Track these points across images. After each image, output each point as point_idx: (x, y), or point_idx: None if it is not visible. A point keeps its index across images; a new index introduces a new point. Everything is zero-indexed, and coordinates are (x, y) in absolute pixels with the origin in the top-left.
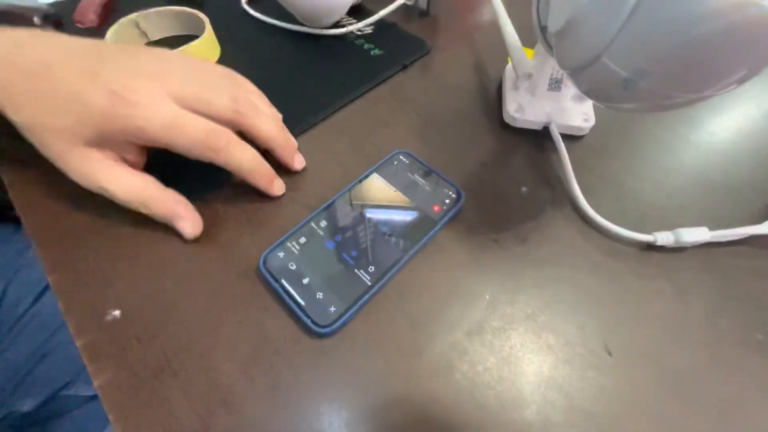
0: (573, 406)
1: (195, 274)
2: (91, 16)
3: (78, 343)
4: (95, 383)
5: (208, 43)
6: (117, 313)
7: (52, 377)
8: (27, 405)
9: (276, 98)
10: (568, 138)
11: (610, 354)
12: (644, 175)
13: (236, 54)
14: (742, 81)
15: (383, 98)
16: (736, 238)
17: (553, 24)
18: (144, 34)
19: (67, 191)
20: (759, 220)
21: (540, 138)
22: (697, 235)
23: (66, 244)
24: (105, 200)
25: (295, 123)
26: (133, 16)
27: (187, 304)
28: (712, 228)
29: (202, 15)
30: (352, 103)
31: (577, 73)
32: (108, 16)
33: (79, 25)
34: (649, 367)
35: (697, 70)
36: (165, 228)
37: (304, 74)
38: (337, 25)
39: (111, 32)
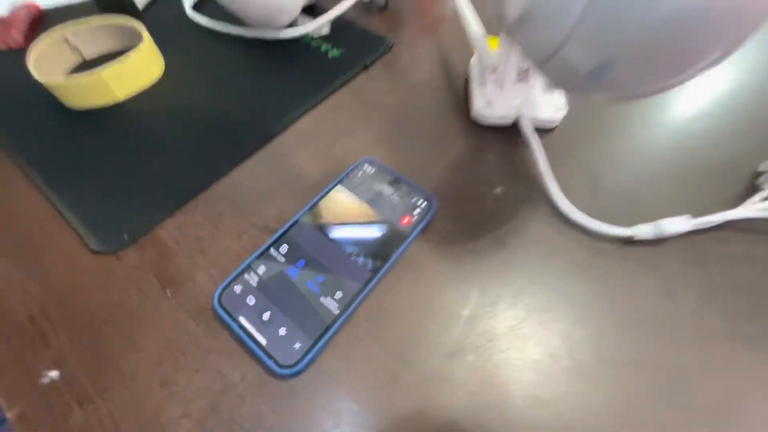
0: (565, 426)
1: (143, 321)
2: (15, 37)
3: (9, 414)
4: None
5: (147, 56)
6: (54, 374)
7: None
8: None
9: (229, 112)
10: (540, 131)
11: (599, 362)
12: (621, 165)
13: (182, 66)
14: (717, 61)
15: (345, 103)
16: (715, 224)
17: (510, 13)
18: (77, 51)
19: None
20: (736, 204)
21: (512, 133)
22: (677, 225)
23: None
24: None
25: (251, 138)
26: (60, 30)
27: (135, 357)
28: (693, 216)
29: (139, 25)
30: (312, 111)
31: (541, 65)
32: (32, 37)
33: (1, 46)
34: (641, 374)
35: (663, 57)
36: (107, 270)
37: (258, 83)
38: (291, 27)
39: (36, 52)
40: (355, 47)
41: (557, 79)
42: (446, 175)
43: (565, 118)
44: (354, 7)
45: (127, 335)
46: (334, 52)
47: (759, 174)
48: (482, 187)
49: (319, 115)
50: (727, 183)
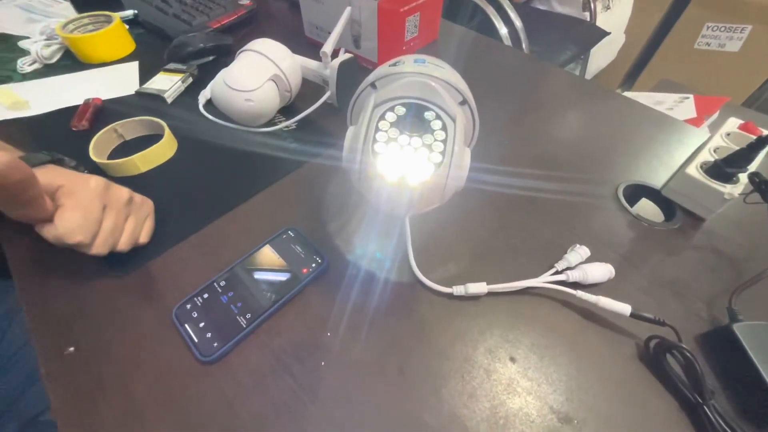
0: None
1: (130, 319)
2: (83, 123)
3: (41, 371)
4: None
5: (167, 143)
6: (71, 349)
7: (34, 404)
8: (9, 429)
9: (215, 183)
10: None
11: (402, 373)
12: (465, 243)
13: (190, 148)
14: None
15: (292, 184)
16: (515, 289)
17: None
18: (121, 136)
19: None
20: (538, 274)
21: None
22: (478, 288)
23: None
24: None
25: (223, 204)
26: (112, 125)
27: (122, 340)
28: (502, 281)
29: (161, 121)
30: (271, 187)
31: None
32: (95, 121)
33: (74, 128)
34: (437, 382)
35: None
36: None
37: (238, 165)
38: (270, 123)
39: (95, 138)
40: (309, 141)
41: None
42: (347, 244)
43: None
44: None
45: (116, 328)
46: (295, 145)
47: (560, 258)
48: (367, 254)
49: (274, 190)
50: (538, 259)
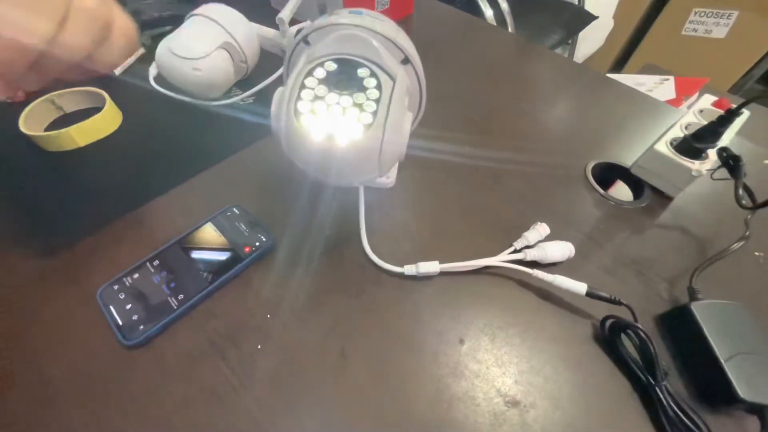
0: None
1: (52, 303)
2: (19, 94)
3: None
4: None
5: (109, 115)
6: None
7: None
8: None
9: (161, 159)
10: (376, 191)
11: (343, 356)
12: (424, 221)
13: (136, 122)
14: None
15: (243, 160)
16: (470, 268)
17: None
18: (60, 108)
19: None
20: (498, 253)
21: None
22: (429, 267)
23: None
24: None
25: (166, 182)
26: (48, 95)
27: (42, 325)
28: (460, 260)
29: (103, 92)
30: (218, 164)
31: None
32: (33, 94)
33: (9, 100)
34: (380, 366)
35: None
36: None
37: (187, 140)
38: (226, 96)
39: (28, 108)
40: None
41: None
42: (293, 219)
43: (398, 184)
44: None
45: (29, 309)
46: (250, 119)
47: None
48: (317, 231)
49: (224, 166)
50: (495, 237)
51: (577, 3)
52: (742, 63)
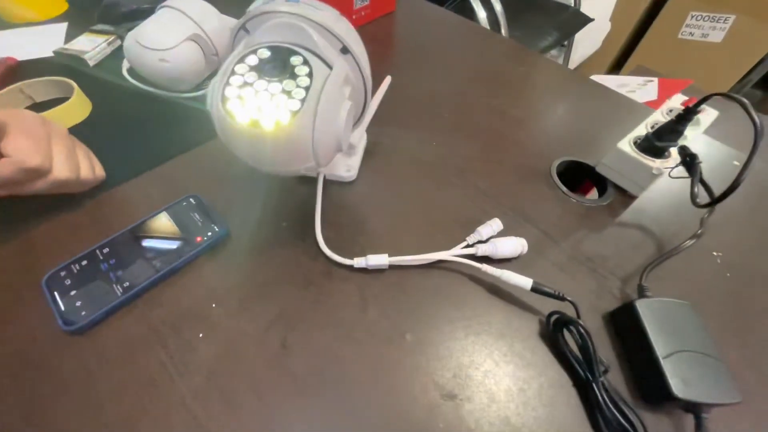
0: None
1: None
2: None
3: None
4: None
5: (77, 104)
6: None
7: None
8: None
9: (126, 149)
10: (338, 184)
11: (284, 346)
12: (383, 214)
13: (105, 112)
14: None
15: (209, 151)
16: (421, 262)
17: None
18: (30, 97)
19: None
20: (451, 248)
21: (315, 183)
22: (378, 260)
23: None
24: None
25: (128, 171)
26: (17, 84)
27: None
28: (414, 254)
29: (71, 82)
30: (187, 153)
31: None
32: (5, 82)
33: None
34: (321, 358)
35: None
36: None
37: (154, 131)
38: (198, 89)
39: None
40: None
41: None
42: (252, 211)
43: (361, 177)
44: None
45: None
46: None
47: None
48: (274, 222)
49: (188, 157)
50: (450, 232)
51: (573, 5)
52: (739, 67)
